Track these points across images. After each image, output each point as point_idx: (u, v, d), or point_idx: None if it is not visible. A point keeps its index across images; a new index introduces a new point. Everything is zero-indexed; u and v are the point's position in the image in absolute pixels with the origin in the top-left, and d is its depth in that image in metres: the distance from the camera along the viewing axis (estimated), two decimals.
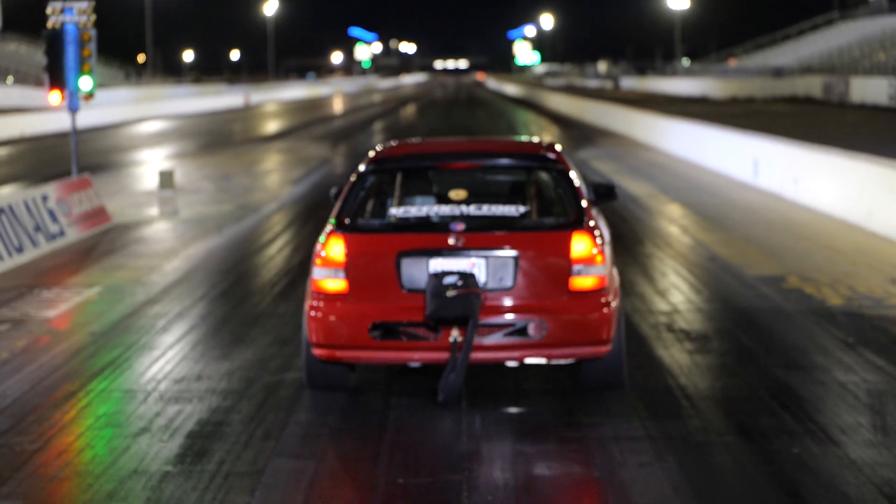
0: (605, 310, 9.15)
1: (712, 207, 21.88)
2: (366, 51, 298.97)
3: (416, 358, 9.33)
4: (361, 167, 10.19)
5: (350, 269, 9.27)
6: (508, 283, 9.21)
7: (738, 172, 26.76)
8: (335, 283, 9.29)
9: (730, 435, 8.59)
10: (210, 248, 17.97)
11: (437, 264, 9.17)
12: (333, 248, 9.32)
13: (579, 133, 46.38)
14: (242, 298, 14.13)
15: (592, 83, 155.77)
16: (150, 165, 33.60)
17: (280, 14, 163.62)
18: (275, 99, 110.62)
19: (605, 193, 10.47)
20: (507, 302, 9.19)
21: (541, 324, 9.09)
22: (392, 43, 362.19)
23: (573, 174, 10.10)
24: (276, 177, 29.75)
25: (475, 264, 9.18)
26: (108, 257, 17.19)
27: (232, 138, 48.48)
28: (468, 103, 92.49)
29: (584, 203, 9.67)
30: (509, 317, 9.15)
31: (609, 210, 21.19)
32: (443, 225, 9.45)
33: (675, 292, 14.05)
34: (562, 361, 9.50)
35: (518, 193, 11.04)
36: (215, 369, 10.67)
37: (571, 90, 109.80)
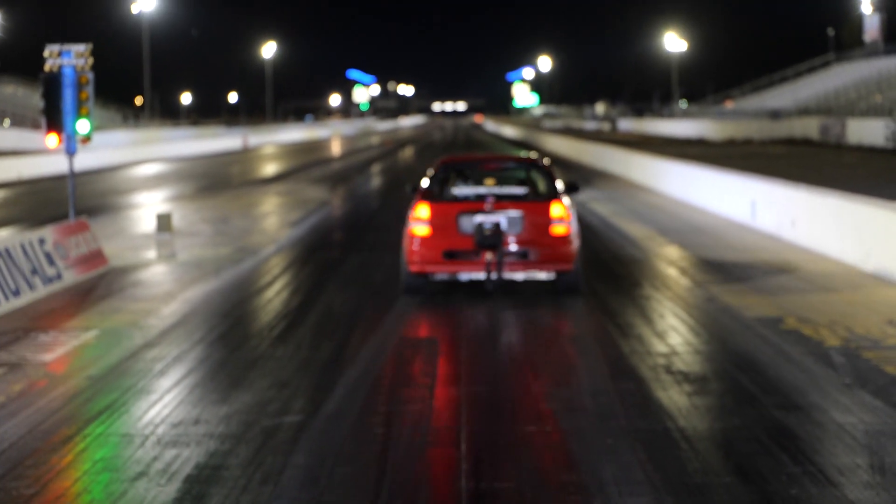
0: (569, 246, 16.32)
1: (710, 249, 21.89)
2: (364, 93, 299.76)
3: (465, 269, 16.34)
4: (432, 169, 17.71)
5: (431, 221, 16.40)
6: (518, 229, 16.29)
7: (736, 214, 26.80)
8: (423, 229, 16.42)
9: (728, 476, 8.57)
10: (208, 292, 17.95)
11: (479, 219, 16.15)
12: (422, 210, 16.50)
13: (578, 175, 46.43)
14: (241, 342, 14.12)
15: (590, 125, 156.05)
16: (147, 208, 33.62)
17: (278, 56, 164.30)
18: (273, 141, 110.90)
19: (572, 186, 17.69)
20: (517, 239, 16.25)
21: (535, 251, 16.22)
22: (390, 85, 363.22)
23: (553, 173, 17.64)
24: (274, 219, 29.75)
25: (500, 219, 16.15)
26: (105, 300, 17.17)
27: (230, 181, 48.54)
28: (466, 145, 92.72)
29: (559, 188, 17.06)
30: (517, 247, 16.23)
31: (608, 252, 21.40)
32: (481, 198, 16.80)
33: (674, 334, 14.05)
34: (543, 276, 16.51)
35: (522, 182, 18.73)
36: (213, 413, 10.65)
37: (569, 132, 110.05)
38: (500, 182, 18.75)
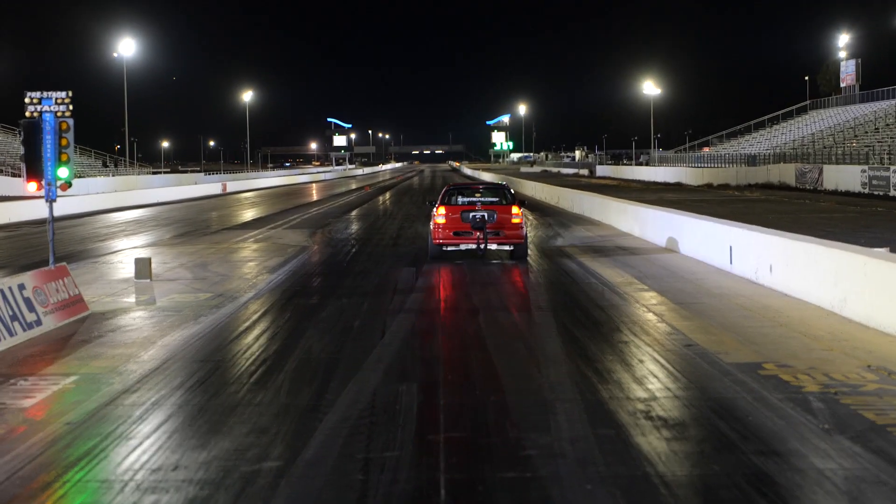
0: (522, 230, 28.93)
1: (688, 294, 21.96)
2: (343, 139, 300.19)
3: (465, 242, 28.63)
4: (446, 189, 30.88)
5: (446, 215, 28.79)
6: (493, 220, 28.57)
7: (714, 259, 26.90)
8: (441, 220, 28.77)
9: None
10: (187, 337, 17.92)
11: (473, 213, 28.53)
12: (441, 209, 28.89)
13: (556, 220, 46.56)
14: (220, 387, 14.09)
15: (568, 170, 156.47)
16: (126, 254, 33.58)
17: (258, 103, 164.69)
18: (252, 187, 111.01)
19: (521, 201, 30.19)
20: (493, 225, 28.54)
21: (503, 232, 28.62)
22: (369, 130, 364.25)
23: (514, 192, 31.13)
24: (253, 265, 29.73)
25: (485, 214, 28.48)
26: (84, 346, 17.14)
27: (209, 226, 48.52)
28: None
29: (516, 199, 29.87)
30: (493, 229, 28.53)
31: (587, 298, 21.42)
32: (473, 203, 29.55)
33: (653, 379, 14.07)
34: (507, 247, 28.99)
35: (495, 195, 30.37)
36: (192, 459, 10.64)
37: (547, 177, 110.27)
38: (483, 195, 30.80)
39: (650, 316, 19.39)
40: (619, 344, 16.73)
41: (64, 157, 21.13)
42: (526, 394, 13.43)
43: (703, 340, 16.67)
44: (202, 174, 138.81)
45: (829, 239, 22.41)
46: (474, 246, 28.43)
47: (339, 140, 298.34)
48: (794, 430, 11.31)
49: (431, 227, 29.28)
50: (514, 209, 28.88)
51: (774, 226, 28.40)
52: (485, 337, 17.48)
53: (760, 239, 23.79)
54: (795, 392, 13.05)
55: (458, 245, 28.74)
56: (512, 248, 28.97)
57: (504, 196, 30.20)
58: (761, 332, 17.27)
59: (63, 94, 21.37)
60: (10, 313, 17.42)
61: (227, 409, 12.78)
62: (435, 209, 29.29)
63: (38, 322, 18.29)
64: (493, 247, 28.70)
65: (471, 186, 32.26)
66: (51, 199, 21.41)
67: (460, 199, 30.09)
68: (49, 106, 21.20)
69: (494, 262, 29.07)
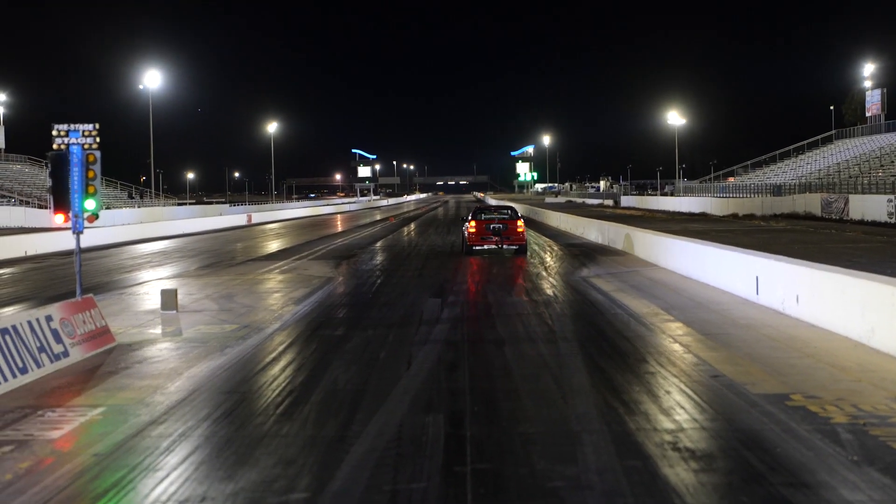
0: (524, 235, 45.17)
1: (714, 325, 21.89)
2: (367, 170, 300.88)
3: (488, 244, 44.29)
4: (474, 209, 47.97)
5: (475, 226, 44.80)
6: (506, 228, 44.31)
7: (740, 290, 26.81)
8: (473, 229, 44.80)
9: None
10: (213, 368, 17.96)
11: (493, 225, 44.59)
12: (472, 223, 45.10)
13: (580, 251, 46.56)
14: (246, 419, 14.10)
15: (592, 200, 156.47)
16: (152, 285, 33.68)
17: (283, 135, 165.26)
18: (277, 218, 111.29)
19: (525, 218, 55.20)
20: (506, 233, 44.31)
21: (511, 237, 44.30)
22: (394, 162, 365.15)
23: (519, 211, 51.36)
24: (278, 296, 29.77)
25: (500, 226, 44.49)
26: (111, 378, 17.19)
27: (234, 258, 48.64)
28: None
29: (520, 215, 47.09)
30: (506, 235, 44.27)
31: (612, 329, 21.35)
32: (492, 218, 45.47)
33: (680, 410, 14.02)
34: (514, 247, 44.51)
35: (507, 213, 46.55)
36: (219, 490, 10.65)
37: (572, 208, 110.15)
38: (499, 214, 45.61)
39: (676, 347, 19.34)
40: (645, 375, 16.69)
41: (91, 189, 21.24)
42: (552, 424, 13.41)
43: (729, 371, 16.61)
44: (227, 205, 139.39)
45: (856, 269, 22.31)
46: (495, 246, 43.96)
47: (364, 171, 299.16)
48: (822, 462, 11.26)
49: (465, 234, 45.41)
50: (519, 222, 44.71)
51: (801, 256, 28.32)
52: (511, 368, 17.46)
53: (787, 269, 23.71)
54: (824, 423, 12.99)
55: (482, 245, 44.07)
56: (517, 247, 44.21)
57: (512, 215, 45.56)
58: (788, 363, 17.21)
59: (90, 126, 21.49)
60: (38, 345, 17.49)
61: (253, 441, 12.80)
62: (467, 223, 45.52)
63: (66, 353, 18.36)
64: (505, 246, 43.91)
65: (490, 208, 49.13)
66: (78, 231, 21.51)
67: (483, 216, 45.37)
68: (76, 138, 21.33)
69: (521, 295, 29.04)
